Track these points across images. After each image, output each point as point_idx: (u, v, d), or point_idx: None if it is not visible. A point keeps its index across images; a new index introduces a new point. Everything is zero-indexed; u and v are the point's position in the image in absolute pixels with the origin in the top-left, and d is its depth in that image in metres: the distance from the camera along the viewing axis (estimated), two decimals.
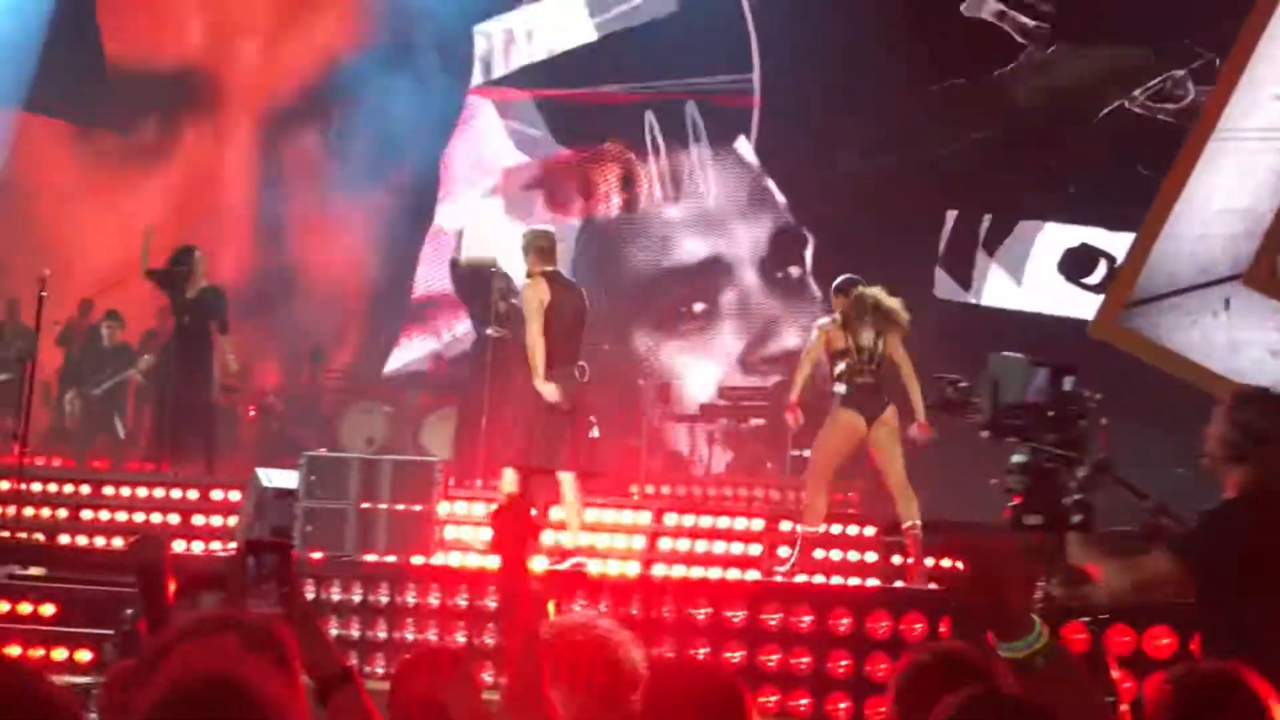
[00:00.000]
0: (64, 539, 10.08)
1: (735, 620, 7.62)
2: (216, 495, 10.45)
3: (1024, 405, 3.87)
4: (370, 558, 8.55)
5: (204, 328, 11.04)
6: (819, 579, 9.01)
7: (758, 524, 9.65)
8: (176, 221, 12.93)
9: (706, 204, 14.89)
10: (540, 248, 8.65)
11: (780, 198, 14.62)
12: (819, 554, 9.06)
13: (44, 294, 10.14)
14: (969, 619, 2.45)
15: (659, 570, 9.02)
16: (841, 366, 8.60)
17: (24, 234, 15.26)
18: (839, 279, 8.99)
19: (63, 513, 10.40)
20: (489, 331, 10.61)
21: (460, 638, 7.68)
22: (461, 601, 7.82)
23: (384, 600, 8.00)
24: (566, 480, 8.53)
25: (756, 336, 14.48)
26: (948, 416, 4.27)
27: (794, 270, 14.46)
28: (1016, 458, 3.89)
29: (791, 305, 14.38)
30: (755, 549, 9.41)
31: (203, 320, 11.04)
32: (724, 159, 14.85)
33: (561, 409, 8.41)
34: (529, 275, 8.65)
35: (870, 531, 9.53)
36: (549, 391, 8.36)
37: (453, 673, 2.99)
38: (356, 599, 8.03)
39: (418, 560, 8.50)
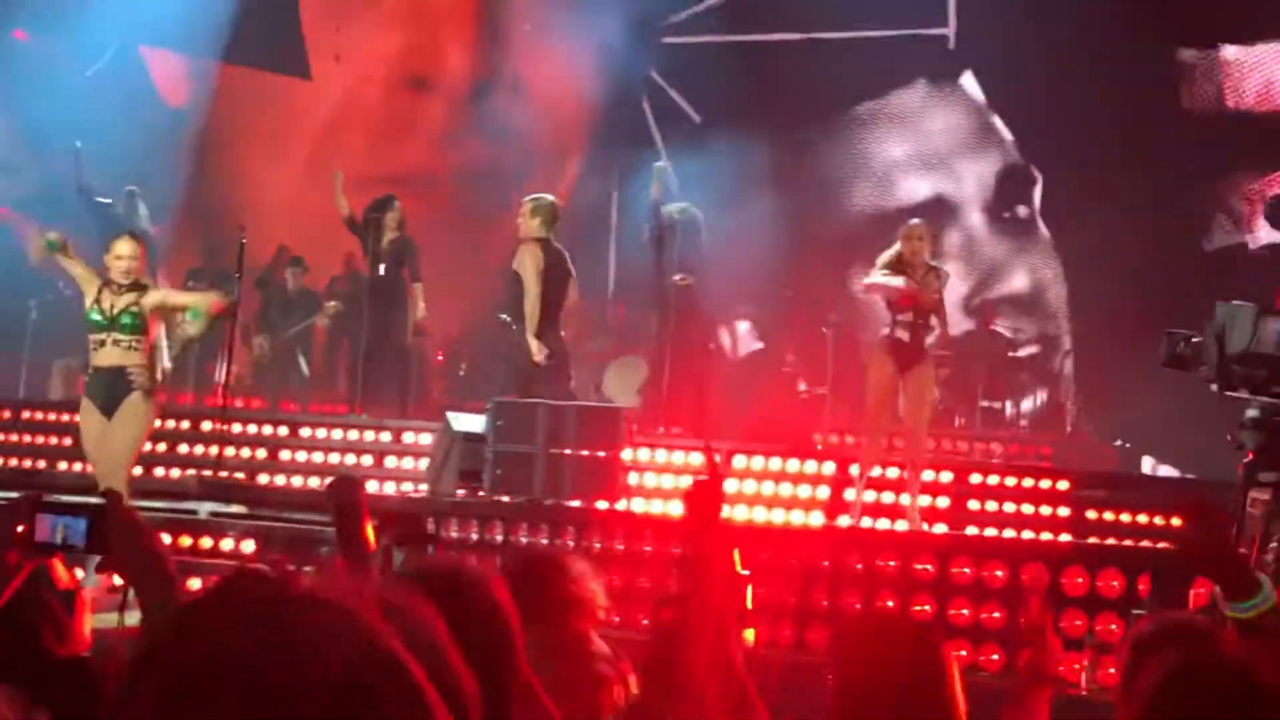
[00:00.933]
0: (263, 479, 10.46)
1: (926, 573, 7.50)
2: (408, 438, 10.69)
3: (1254, 355, 3.66)
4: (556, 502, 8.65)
5: (398, 275, 11.30)
6: (1009, 533, 8.84)
7: (946, 476, 9.48)
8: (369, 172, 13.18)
9: (929, 142, 14.56)
10: (549, 217, 9.24)
11: (1007, 135, 14.22)
12: (1010, 507, 8.91)
13: (244, 240, 10.44)
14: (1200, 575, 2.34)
15: (844, 521, 8.95)
16: None
17: (222, 181, 15.79)
18: None
19: (262, 453, 10.78)
20: (675, 279, 10.60)
21: (644, 584, 7.72)
22: (647, 548, 7.85)
23: (570, 545, 8.09)
24: None
25: (981, 280, 14.15)
26: (1180, 372, 4.06)
27: (1022, 210, 14.06)
28: (1250, 413, 3.68)
29: (1019, 246, 14.01)
30: (944, 501, 9.26)
31: (396, 268, 11.30)
32: (947, 95, 14.49)
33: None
34: (527, 239, 9.19)
35: (1064, 485, 9.30)
36: (537, 348, 9.06)
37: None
38: (543, 543, 8.13)
39: (604, 506, 8.57)
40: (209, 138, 16.50)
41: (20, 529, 2.97)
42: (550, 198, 9.56)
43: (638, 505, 9.02)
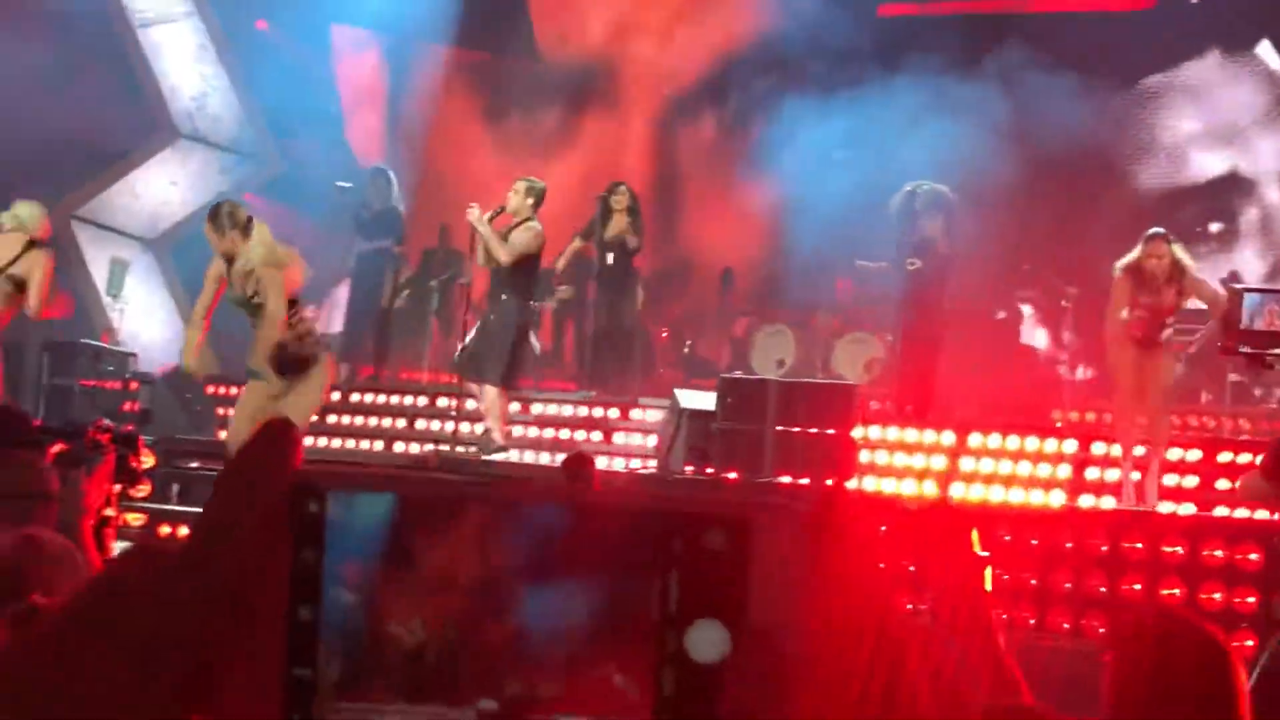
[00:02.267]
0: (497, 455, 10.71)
1: (1175, 555, 7.25)
2: (637, 415, 10.83)
3: None
4: (787, 480, 8.63)
5: (625, 263, 11.48)
6: (1261, 514, 8.46)
7: (1194, 455, 9.13)
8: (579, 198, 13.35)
9: (1222, 115, 13.98)
10: (539, 199, 9.77)
11: None
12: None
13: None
14: None
15: (1086, 501, 8.71)
16: None
17: (455, 163, 16.22)
18: None
19: (495, 431, 11.03)
20: (908, 264, 10.45)
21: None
22: (881, 527, 7.76)
23: None
24: None
25: None
26: None
27: None
28: None
29: None
30: (1191, 481, 8.93)
31: (625, 254, 11.48)
32: (1242, 65, 13.89)
33: None
34: (525, 219, 9.65)
35: None
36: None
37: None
38: None
39: (833, 483, 8.52)
40: (442, 121, 16.98)
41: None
42: (540, 182, 9.98)
43: (869, 484, 8.94)
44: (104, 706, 1.00)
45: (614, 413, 10.97)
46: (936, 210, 10.45)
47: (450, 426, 10.68)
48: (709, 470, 8.86)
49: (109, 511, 5.83)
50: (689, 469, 8.95)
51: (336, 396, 11.85)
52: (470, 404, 10.54)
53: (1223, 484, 8.83)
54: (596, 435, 10.82)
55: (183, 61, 15.86)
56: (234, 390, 12.24)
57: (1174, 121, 14.14)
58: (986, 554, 4.53)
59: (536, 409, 11.14)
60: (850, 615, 1.08)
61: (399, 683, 1.04)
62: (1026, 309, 13.77)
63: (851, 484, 8.66)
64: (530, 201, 9.77)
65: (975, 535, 4.46)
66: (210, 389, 12.13)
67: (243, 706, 1.03)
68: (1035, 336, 13.34)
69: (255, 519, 1.01)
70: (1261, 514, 8.38)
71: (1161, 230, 8.93)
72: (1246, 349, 7.24)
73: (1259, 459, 8.84)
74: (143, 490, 7.73)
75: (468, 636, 1.04)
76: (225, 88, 16.04)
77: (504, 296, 9.71)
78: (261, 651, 1.02)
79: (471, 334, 9.86)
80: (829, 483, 8.50)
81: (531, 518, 1.06)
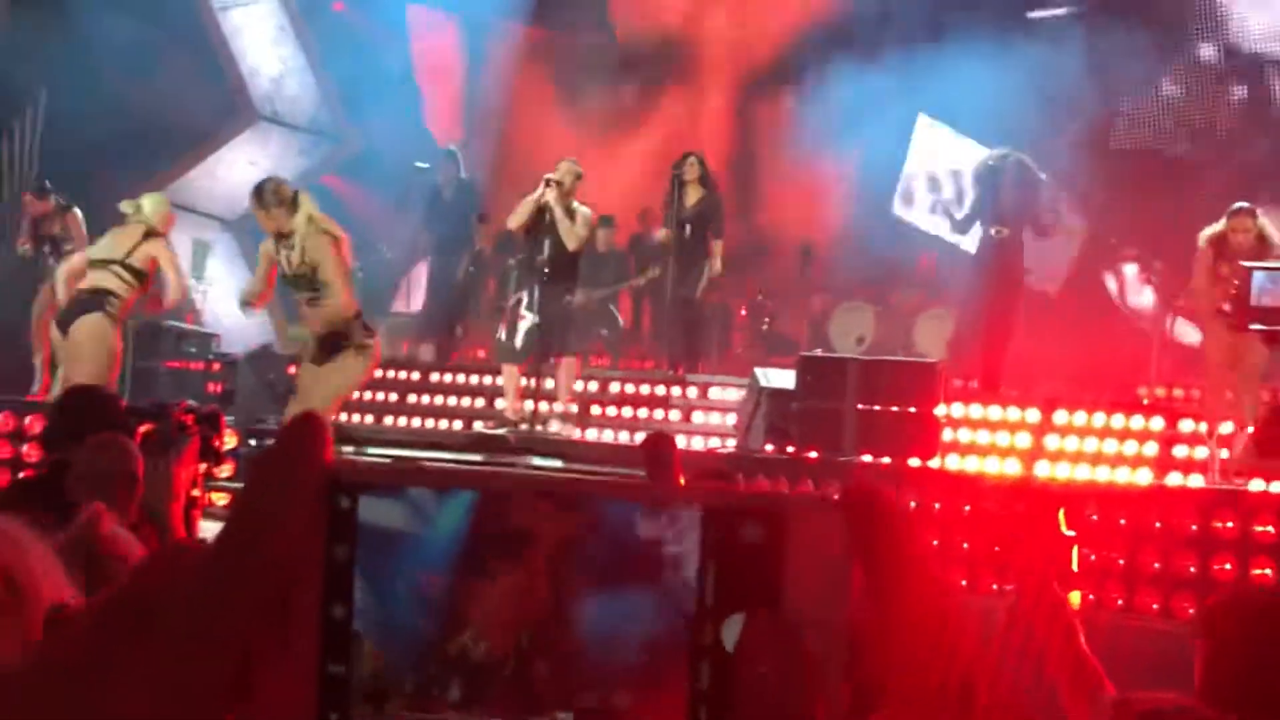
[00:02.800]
0: (574, 432, 10.75)
1: (1267, 535, 7.10)
2: (716, 394, 10.80)
3: None
4: (869, 459, 8.57)
5: (701, 234, 11.42)
6: None
7: None
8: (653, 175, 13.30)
9: None
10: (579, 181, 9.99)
11: None
12: None
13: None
14: None
15: (1174, 479, 8.56)
16: None
17: (526, 142, 16.27)
18: None
19: (573, 407, 11.08)
20: (991, 231, 10.32)
21: (964, 545, 7.58)
22: (966, 507, 7.69)
23: None
24: None
25: None
26: None
27: None
28: None
29: None
30: None
31: (701, 227, 11.41)
32: None
33: None
34: (578, 203, 9.88)
35: None
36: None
37: None
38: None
39: (918, 463, 8.45)
40: (518, 99, 17.02)
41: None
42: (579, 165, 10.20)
43: (953, 462, 8.85)
44: (135, 715, 1.00)
45: (693, 391, 10.95)
46: (1021, 178, 10.33)
47: (529, 405, 10.73)
48: (789, 449, 8.82)
49: (195, 493, 5.93)
50: (769, 448, 8.91)
51: (417, 376, 11.94)
52: (548, 383, 10.59)
53: None
54: (675, 414, 10.81)
55: (261, 44, 16.04)
56: None
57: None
58: (1073, 534, 4.47)
59: (614, 388, 11.14)
60: (908, 604, 1.05)
61: (470, 695, 1.03)
62: (1131, 269, 13.51)
63: (934, 462, 8.57)
64: (577, 185, 10.08)
65: (1061, 515, 4.42)
66: (293, 369, 12.26)
67: (279, 706, 1.02)
68: (1141, 296, 13.06)
69: (287, 515, 1.00)
70: None
71: (1247, 204, 8.77)
72: (1259, 326, 7.33)
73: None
74: (226, 470, 7.86)
75: (540, 646, 1.03)
76: (303, 69, 16.20)
77: (558, 277, 9.94)
78: (298, 650, 1.02)
79: (527, 320, 9.90)
80: (913, 461, 8.43)
81: (601, 517, 1.04)
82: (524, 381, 10.21)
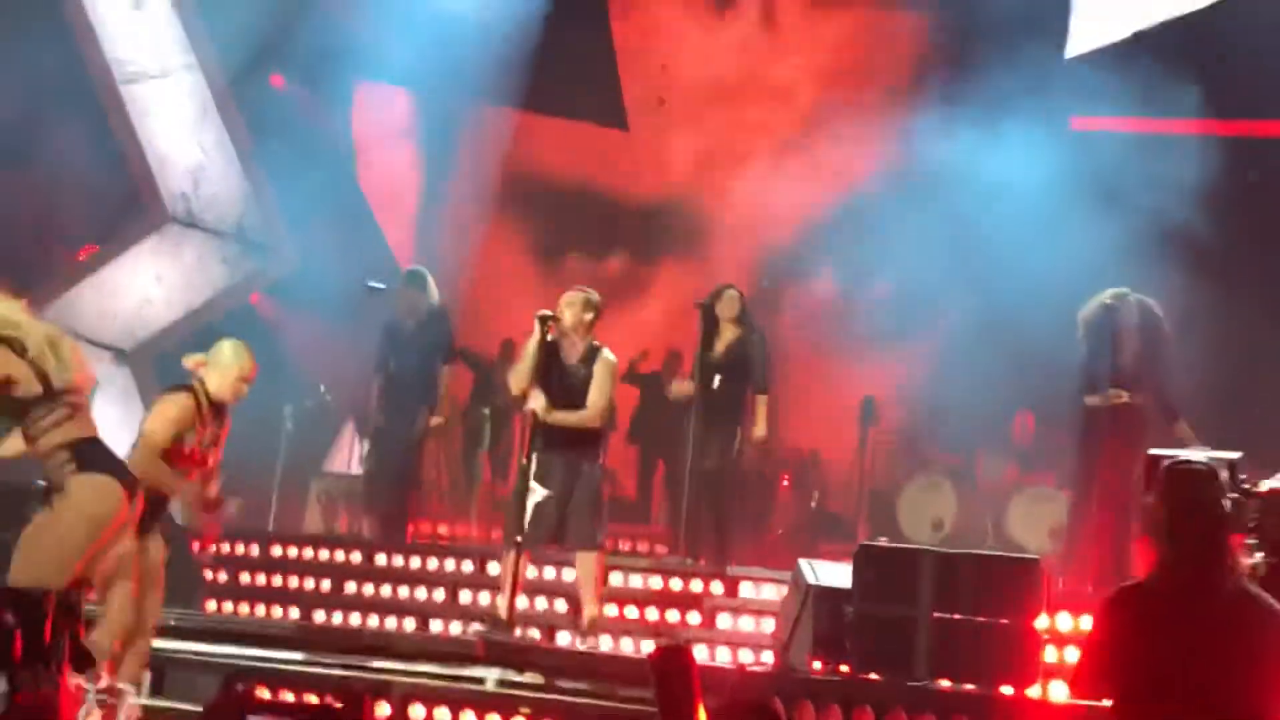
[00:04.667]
0: (562, 638, 10.59)
1: None
2: (747, 591, 10.67)
3: None
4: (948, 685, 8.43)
5: (738, 388, 11.40)
6: None
7: None
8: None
9: None
10: (598, 315, 10.15)
11: None
12: None
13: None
14: None
15: None
16: None
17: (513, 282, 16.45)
18: None
19: (561, 605, 10.93)
20: (1113, 396, 10.33)
21: None
22: None
23: None
24: None
25: None
26: None
27: None
28: None
29: None
30: None
31: (739, 379, 11.40)
32: None
33: None
34: (596, 342, 10.05)
35: None
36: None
37: None
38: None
39: (1012, 691, 8.30)
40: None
41: None
42: (598, 295, 10.37)
43: (1058, 691, 8.70)
44: None
45: (717, 587, 10.84)
46: (1145, 327, 10.34)
47: (502, 600, 10.61)
48: (843, 668, 8.68)
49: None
50: (817, 665, 8.78)
51: (358, 558, 11.82)
52: (530, 571, 10.46)
53: None
54: (694, 616, 10.68)
55: (177, 127, 16.20)
56: (225, 549, 12.30)
57: None
58: None
59: (616, 579, 11.02)
60: None
61: None
62: None
63: (1034, 691, 8.43)
64: (589, 318, 10.11)
65: None
66: (196, 546, 12.17)
67: None
68: None
69: None
70: None
71: None
72: None
73: None
74: (103, 682, 7.71)
75: None
76: (228, 160, 16.33)
77: (576, 441, 9.90)
78: None
79: (537, 494, 9.85)
80: (1006, 690, 8.28)
81: None
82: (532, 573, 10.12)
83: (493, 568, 11.25)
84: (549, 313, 9.94)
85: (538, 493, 9.88)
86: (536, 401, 9.85)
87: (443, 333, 12.63)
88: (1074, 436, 11.01)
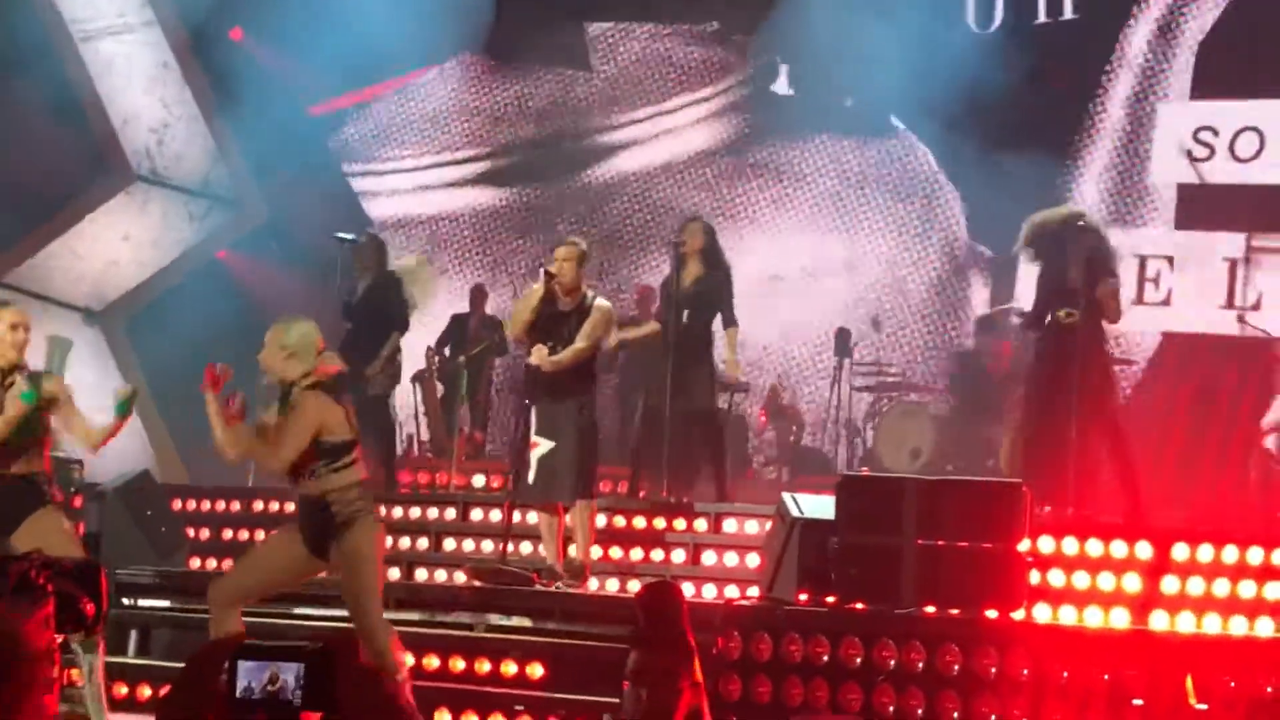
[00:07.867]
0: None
1: None
2: (730, 527, 10.71)
3: None
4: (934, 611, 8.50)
5: (704, 322, 11.40)
6: None
7: None
8: None
9: None
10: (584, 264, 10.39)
11: None
12: None
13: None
14: None
15: None
16: None
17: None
18: None
19: (545, 549, 10.95)
20: (1064, 315, 10.35)
21: None
22: (1064, 673, 7.60)
23: (956, 670, 7.91)
24: None
25: None
26: None
27: None
28: None
29: None
30: None
31: (703, 313, 11.39)
32: None
33: None
34: (590, 292, 10.30)
35: None
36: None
37: None
38: (920, 667, 7.99)
39: (997, 615, 8.37)
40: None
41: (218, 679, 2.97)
42: (584, 243, 10.65)
43: (1043, 614, 8.78)
44: None
45: (701, 524, 10.85)
46: (1097, 246, 10.39)
47: (489, 546, 10.65)
48: (829, 600, 8.73)
49: (53, 672, 5.79)
50: (803, 598, 8.83)
51: None
52: (522, 517, 10.50)
53: None
54: (679, 555, 10.69)
55: (138, 84, 16.10)
56: (207, 505, 12.30)
57: None
58: (1204, 706, 4.38)
59: (599, 520, 11.04)
60: None
61: None
62: None
63: (1020, 614, 8.50)
64: (583, 269, 10.36)
65: (1189, 682, 4.33)
66: (177, 503, 12.17)
67: None
68: None
69: None
70: None
71: None
72: None
73: None
74: (91, 641, 7.72)
75: None
76: (192, 116, 16.25)
77: (575, 392, 10.09)
78: None
79: (541, 447, 9.97)
80: (991, 614, 8.35)
81: None
82: (569, 521, 10.21)
83: (474, 514, 11.33)
84: (554, 270, 10.16)
85: (542, 445, 10.01)
86: (537, 354, 10.00)
87: (394, 301, 12.57)
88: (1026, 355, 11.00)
